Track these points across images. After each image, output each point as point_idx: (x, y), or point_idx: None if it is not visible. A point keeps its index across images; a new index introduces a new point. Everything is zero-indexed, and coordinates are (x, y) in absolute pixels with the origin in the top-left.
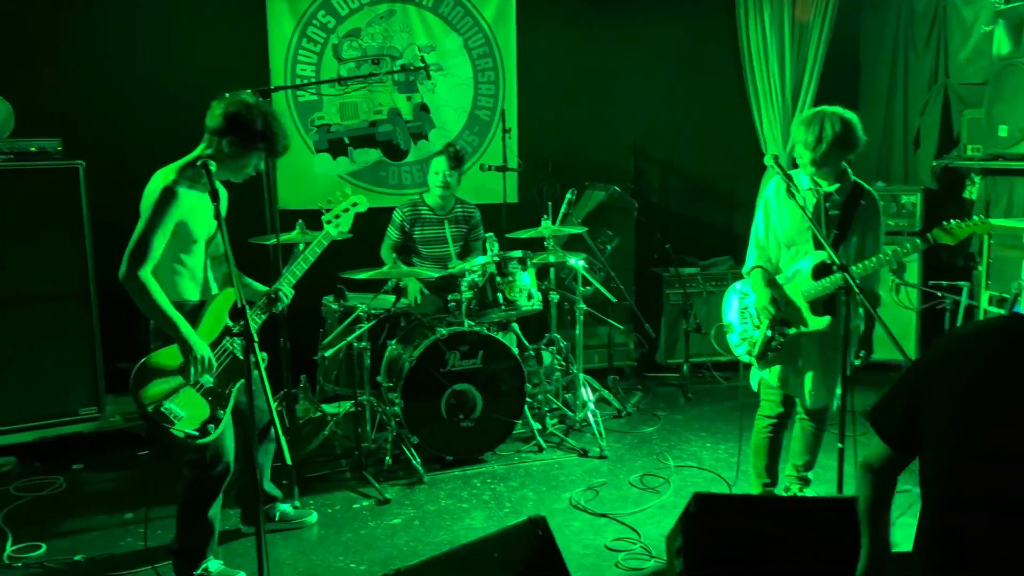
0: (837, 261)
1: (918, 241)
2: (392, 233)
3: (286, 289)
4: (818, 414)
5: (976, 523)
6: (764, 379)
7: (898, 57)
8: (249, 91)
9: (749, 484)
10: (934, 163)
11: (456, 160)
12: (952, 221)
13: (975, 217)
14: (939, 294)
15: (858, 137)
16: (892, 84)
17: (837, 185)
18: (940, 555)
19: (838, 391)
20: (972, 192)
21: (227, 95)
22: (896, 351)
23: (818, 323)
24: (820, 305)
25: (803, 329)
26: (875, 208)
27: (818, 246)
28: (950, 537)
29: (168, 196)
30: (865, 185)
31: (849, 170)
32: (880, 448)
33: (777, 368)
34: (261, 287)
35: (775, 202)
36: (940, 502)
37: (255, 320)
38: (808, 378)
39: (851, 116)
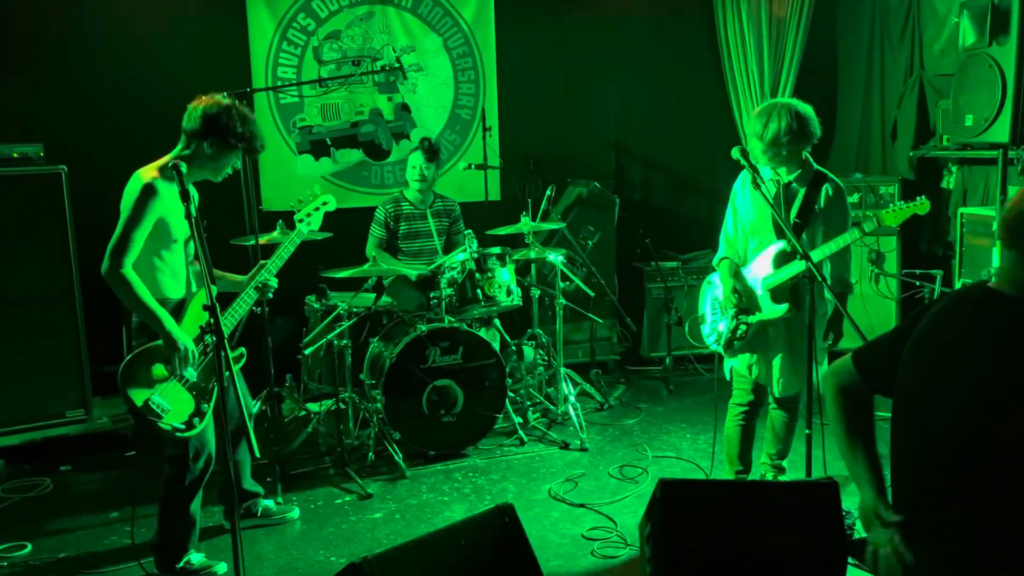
0: (800, 249)
1: (865, 225)
2: (376, 231)
3: (272, 280)
4: (788, 402)
5: (951, 490)
6: (734, 368)
7: (874, 50)
8: (224, 93)
9: (723, 472)
10: (911, 154)
11: (431, 153)
12: (897, 203)
13: (917, 199)
14: (916, 283)
15: (811, 129)
16: (869, 77)
17: (797, 172)
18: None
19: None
20: (949, 182)
21: (203, 97)
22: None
23: (775, 311)
24: (785, 293)
25: (760, 317)
26: (838, 196)
27: (780, 235)
28: (928, 506)
29: (148, 193)
30: (828, 174)
31: (811, 160)
32: (855, 378)
33: (745, 357)
34: (239, 277)
35: (740, 194)
36: (914, 471)
37: (243, 304)
38: (776, 367)
39: (804, 108)
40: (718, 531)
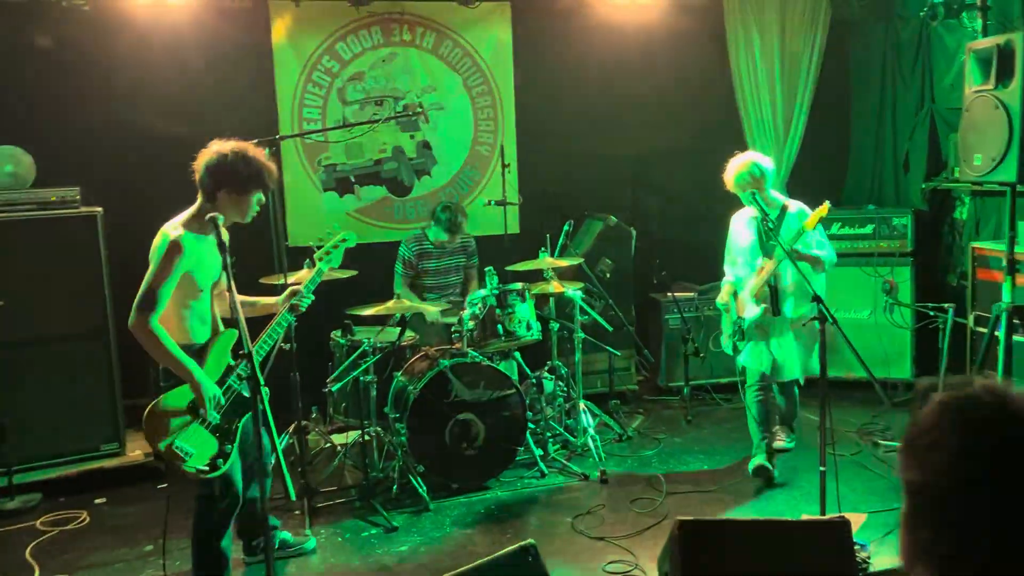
0: (785, 248)
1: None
2: (400, 269)
3: (307, 298)
4: (783, 385)
5: None
6: (745, 365)
7: (886, 83)
8: (255, 142)
9: (753, 449)
10: (923, 185)
11: (452, 228)
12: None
13: (823, 203)
14: (931, 313)
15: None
16: (881, 110)
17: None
18: None
19: (810, 364)
20: (962, 212)
21: (203, 149)
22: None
23: (755, 315)
24: (767, 298)
25: (748, 319)
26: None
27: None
28: None
29: (174, 250)
30: (788, 200)
31: (771, 195)
32: None
33: (747, 352)
34: (269, 300)
35: (735, 225)
36: None
37: (276, 332)
38: (769, 356)
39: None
40: (735, 568)
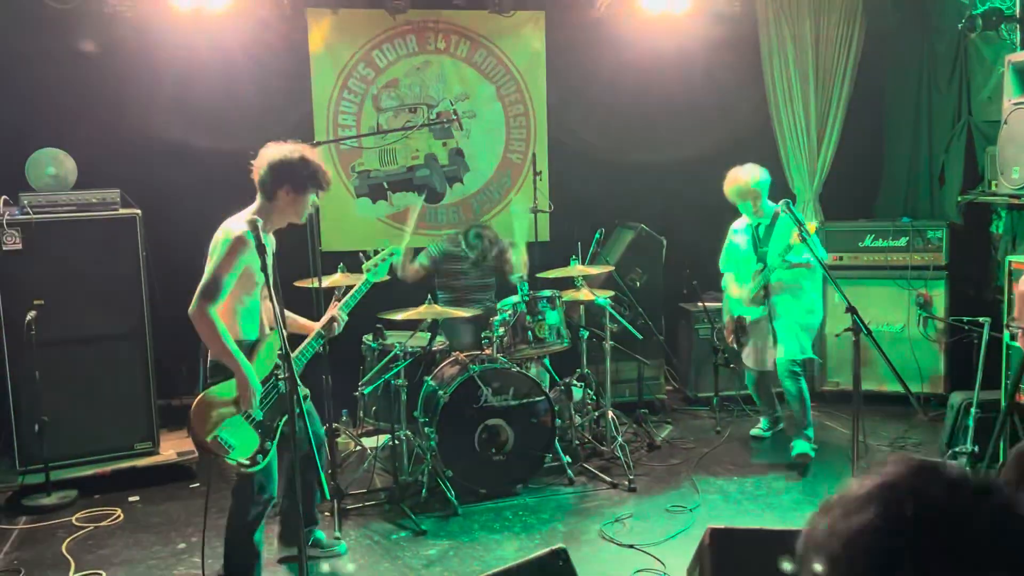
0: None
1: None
2: (423, 258)
3: (343, 316)
4: (777, 372)
5: None
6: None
7: (922, 95)
8: (284, 141)
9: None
10: (959, 198)
11: (480, 260)
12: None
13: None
14: (965, 327)
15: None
16: (916, 121)
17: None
18: None
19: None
20: (998, 226)
21: (264, 149)
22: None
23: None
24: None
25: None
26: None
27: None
28: None
29: (239, 243)
30: (773, 205)
31: (766, 203)
32: None
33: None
34: (308, 323)
35: (733, 236)
36: None
37: (311, 349)
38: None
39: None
40: None
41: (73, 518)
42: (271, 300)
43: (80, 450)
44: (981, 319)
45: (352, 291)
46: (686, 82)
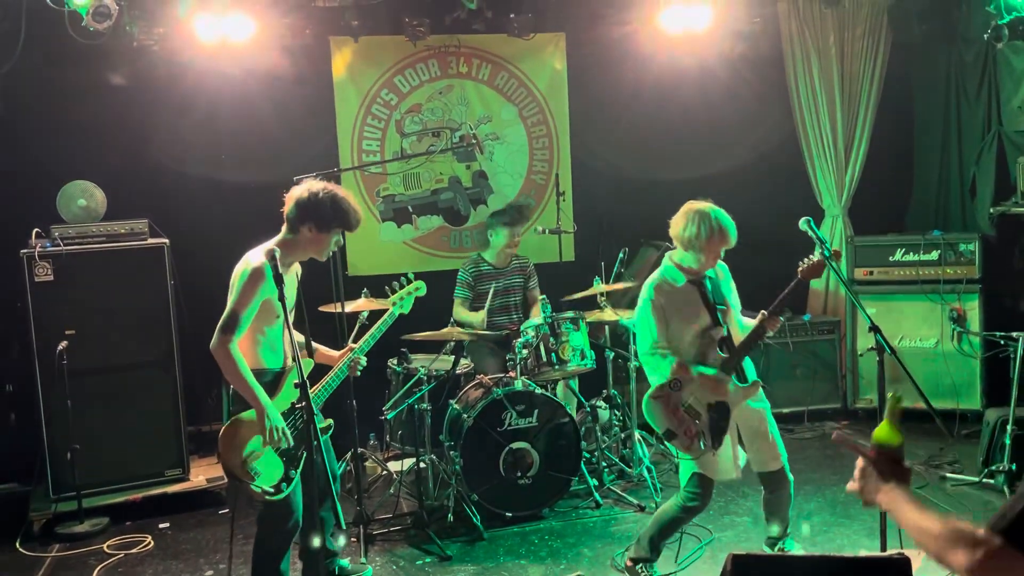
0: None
1: None
2: (461, 292)
3: (363, 360)
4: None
5: None
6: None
7: (951, 106)
8: (316, 176)
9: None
10: (991, 210)
11: (518, 218)
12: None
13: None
14: (1000, 341)
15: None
16: (946, 133)
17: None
18: None
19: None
20: None
21: (298, 185)
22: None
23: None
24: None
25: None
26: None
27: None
28: None
29: (257, 276)
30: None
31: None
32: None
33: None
34: (332, 352)
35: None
36: None
37: (335, 381)
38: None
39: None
40: None
41: (104, 545)
42: (287, 330)
43: (112, 477)
44: (1015, 333)
45: (377, 324)
46: (709, 99)
